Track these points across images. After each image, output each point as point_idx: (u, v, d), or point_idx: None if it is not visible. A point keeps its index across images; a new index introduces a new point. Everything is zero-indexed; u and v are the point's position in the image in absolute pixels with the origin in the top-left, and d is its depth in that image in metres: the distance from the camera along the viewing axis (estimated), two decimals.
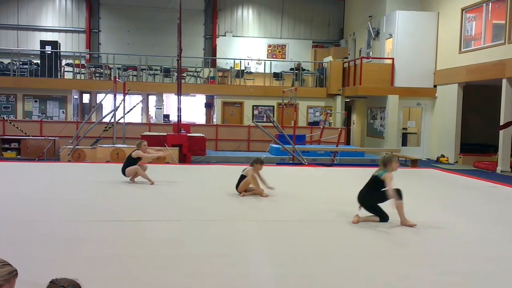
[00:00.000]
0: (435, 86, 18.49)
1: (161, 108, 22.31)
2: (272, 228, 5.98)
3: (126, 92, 15.57)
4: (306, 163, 13.75)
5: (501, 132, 14.69)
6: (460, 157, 16.70)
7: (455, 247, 5.29)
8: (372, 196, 6.41)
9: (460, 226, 6.29)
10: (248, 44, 25.16)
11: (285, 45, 25.59)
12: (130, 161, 9.08)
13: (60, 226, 5.77)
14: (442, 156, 17.23)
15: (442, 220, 6.57)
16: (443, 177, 11.81)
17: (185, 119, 20.84)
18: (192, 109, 25.49)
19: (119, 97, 15.52)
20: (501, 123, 14.66)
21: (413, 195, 8.70)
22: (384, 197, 6.24)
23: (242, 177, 7.94)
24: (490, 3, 15.62)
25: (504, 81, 14.51)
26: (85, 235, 5.38)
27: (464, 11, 16.86)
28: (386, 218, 6.34)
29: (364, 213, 6.41)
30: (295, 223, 6.30)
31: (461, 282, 4.24)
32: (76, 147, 13.83)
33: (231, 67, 22.16)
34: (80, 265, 4.34)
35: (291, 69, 22.26)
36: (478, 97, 17.18)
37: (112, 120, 15.15)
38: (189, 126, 16.97)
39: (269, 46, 25.55)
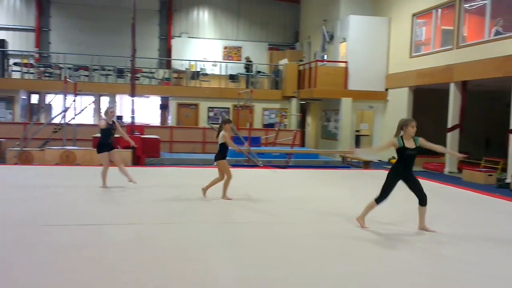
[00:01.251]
0: (386, 89, 18.95)
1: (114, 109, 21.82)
2: (230, 231, 5.92)
3: (77, 92, 15.13)
4: (262, 165, 13.77)
5: (448, 134, 15.21)
6: None
7: (405, 246, 5.41)
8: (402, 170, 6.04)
9: (406, 226, 6.43)
10: (203, 46, 25.02)
11: (241, 47, 25.61)
12: None
13: (4, 230, 5.52)
14: (393, 158, 17.52)
15: (390, 220, 6.69)
16: None
17: (139, 120, 20.47)
18: (146, 110, 25.08)
19: (70, 97, 15.07)
20: (449, 125, 15.17)
21: (364, 196, 8.86)
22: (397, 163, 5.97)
23: (221, 146, 7.77)
24: (440, 9, 16.16)
25: (452, 85, 15.03)
26: (34, 240, 5.16)
27: (414, 17, 17.37)
28: (381, 200, 6.03)
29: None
30: (252, 224, 6.27)
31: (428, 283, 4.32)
32: (24, 149, 13.32)
33: (186, 68, 21.97)
34: (28, 270, 4.15)
35: (251, 71, 22.28)
36: (427, 101, 17.71)
37: (62, 122, 14.68)
38: (143, 128, 16.66)
39: (225, 48, 25.50)
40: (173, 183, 9.68)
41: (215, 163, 7.86)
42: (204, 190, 7.90)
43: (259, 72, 22.19)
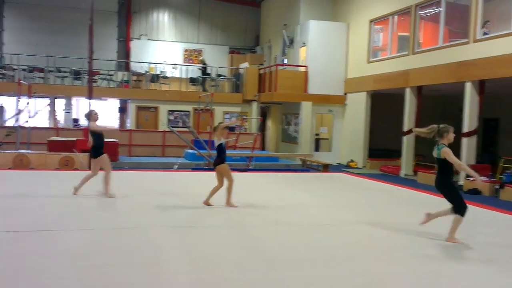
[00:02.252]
0: (345, 93, 19.26)
1: (70, 112, 21.30)
2: (188, 235, 5.86)
3: (31, 94, 14.69)
4: None
5: (404, 138, 15.60)
6: (368, 162, 17.51)
7: (359, 247, 5.49)
8: (443, 179, 5.84)
9: (362, 226, 6.54)
10: (164, 48, 24.78)
11: (201, 50, 25.49)
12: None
13: None
14: (352, 161, 17.95)
15: (345, 221, 6.79)
16: (351, 181, 12.29)
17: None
18: (104, 113, 24.56)
19: (24, 100, 14.61)
20: (405, 129, 15.56)
21: (323, 198, 8.97)
22: (451, 173, 5.78)
23: (218, 149, 7.48)
24: (396, 16, 16.58)
25: (407, 90, 15.43)
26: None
27: (372, 23, 17.74)
28: (461, 209, 5.69)
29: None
30: (212, 228, 6.22)
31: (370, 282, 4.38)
32: None
33: (146, 71, 21.67)
34: None
35: (208, 74, 22.18)
36: (384, 105, 18.12)
37: (16, 124, 14.21)
38: None
39: (186, 50, 25.33)
40: (132, 187, 9.51)
41: (215, 169, 7.52)
42: (207, 203, 7.56)
43: (220, 75, 22.14)
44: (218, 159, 7.50)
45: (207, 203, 7.58)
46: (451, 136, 5.81)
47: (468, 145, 13.01)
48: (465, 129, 13.07)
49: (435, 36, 14.86)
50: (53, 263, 4.54)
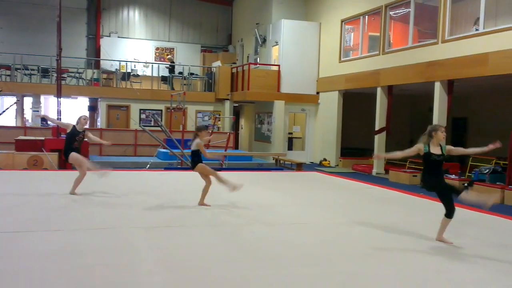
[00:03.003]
0: (318, 92, 19.40)
1: (38, 111, 20.80)
2: (161, 235, 5.78)
3: None
4: None
5: (376, 137, 15.80)
6: (340, 161, 17.68)
7: (332, 246, 5.53)
8: (429, 177, 5.77)
9: (338, 224, 6.59)
10: (134, 46, 24.46)
11: (173, 49, 25.27)
12: None
13: None
14: (325, 159, 18.10)
15: (321, 220, 6.83)
16: (324, 179, 12.38)
17: (66, 122, 19.62)
18: (74, 112, 24.09)
19: None
20: (376, 128, 15.77)
21: (296, 197, 9.01)
22: (428, 170, 5.71)
23: (193, 153, 7.36)
24: (367, 16, 16.77)
25: (378, 89, 15.64)
26: None
27: (343, 23, 17.91)
28: (449, 213, 5.64)
29: None
30: (185, 228, 6.16)
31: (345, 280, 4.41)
32: None
33: (116, 69, 21.34)
34: None
35: (180, 73, 22.01)
36: (356, 104, 18.33)
37: None
38: None
39: (157, 49, 25.07)
40: (102, 187, 9.35)
41: (194, 170, 7.44)
42: (202, 203, 7.50)
43: (192, 74, 21.99)
44: (195, 161, 7.42)
45: (202, 203, 7.53)
46: (440, 135, 5.74)
47: None
48: None
49: (405, 36, 15.11)
50: (27, 265, 4.42)
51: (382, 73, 15.40)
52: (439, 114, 13.24)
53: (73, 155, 8.10)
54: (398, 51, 14.99)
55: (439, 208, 6.01)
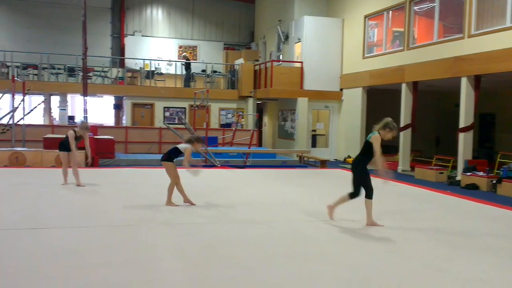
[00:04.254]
0: (341, 89, 19.26)
1: (65, 109, 21.18)
2: (184, 232, 5.83)
3: (26, 92, 14.58)
4: (219, 165, 13.70)
5: (401, 133, 15.61)
6: None
7: (352, 243, 5.49)
8: (359, 162, 6.28)
9: (360, 222, 6.54)
10: (158, 45, 24.68)
11: (196, 47, 25.41)
12: None
13: None
14: (349, 156, 17.96)
15: (346, 218, 6.80)
16: (348, 176, 12.26)
17: (92, 120, 19.95)
18: (100, 110, 24.49)
19: (18, 97, 14.51)
20: (401, 125, 15.58)
21: (321, 194, 8.97)
22: (364, 164, 6.17)
23: (174, 150, 7.27)
24: (391, 11, 16.57)
25: (403, 86, 15.44)
26: None
27: (366, 18, 17.73)
28: (355, 194, 6.20)
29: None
30: (209, 225, 6.20)
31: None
32: None
33: (140, 67, 21.58)
34: None
35: (203, 70, 22.13)
36: (380, 100, 18.14)
37: (11, 122, 14.11)
38: (97, 128, 16.24)
39: (180, 47, 25.24)
40: (127, 185, 9.48)
41: (162, 163, 7.34)
42: (185, 201, 7.42)
43: (215, 71, 22.08)
44: (166, 155, 7.31)
45: (187, 201, 7.43)
46: (389, 134, 6.15)
47: (465, 140, 13.05)
48: (462, 124, 13.10)
49: (430, 31, 14.87)
50: (46, 262, 4.51)
51: (406, 69, 15.20)
52: (465, 110, 13.01)
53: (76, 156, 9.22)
54: (423, 46, 14.76)
55: (466, 205, 5.92)
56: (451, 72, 13.38)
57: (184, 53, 23.98)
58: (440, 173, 13.12)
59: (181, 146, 7.30)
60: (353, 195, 6.29)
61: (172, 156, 7.29)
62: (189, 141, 7.31)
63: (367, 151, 6.19)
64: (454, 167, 13.73)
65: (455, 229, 6.43)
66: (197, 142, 7.38)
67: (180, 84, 21.10)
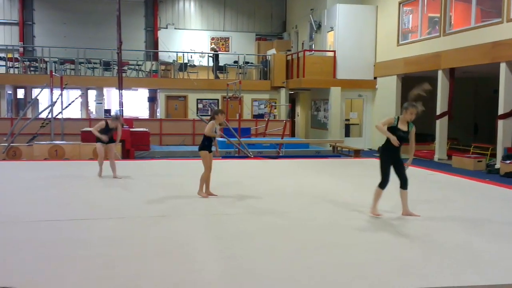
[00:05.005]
0: (375, 78, 18.98)
1: (101, 103, 21.65)
2: (218, 222, 5.89)
3: (63, 86, 14.96)
4: (252, 156, 13.75)
5: (437, 121, 15.29)
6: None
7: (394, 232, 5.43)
8: (381, 148, 6.23)
9: (398, 212, 6.46)
10: (190, 37, 24.86)
11: (228, 38, 25.48)
12: None
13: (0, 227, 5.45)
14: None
15: (382, 207, 6.72)
16: None
17: (127, 113, 20.33)
18: (134, 103, 24.91)
19: (56, 91, 14.90)
20: (438, 113, 15.25)
21: (355, 184, 8.89)
22: (384, 144, 6.10)
23: (204, 136, 7.26)
24: None
25: (439, 72, 15.08)
26: (24, 236, 5.09)
27: (401, 5, 17.36)
28: (383, 184, 6.05)
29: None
30: (243, 215, 6.24)
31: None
32: (11, 144, 13.16)
33: (174, 60, 21.81)
34: (18, 267, 4.10)
35: (235, 62, 22.17)
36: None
37: (50, 116, 14.52)
38: (132, 121, 16.54)
39: (212, 39, 25.35)
40: (162, 176, 9.62)
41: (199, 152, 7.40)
42: (201, 193, 7.34)
43: (247, 62, 22.10)
44: (201, 144, 7.32)
45: (208, 193, 7.42)
46: (407, 115, 6.03)
47: (504, 127, 12.68)
48: (501, 111, 12.73)
49: (467, 16, 14.45)
50: (84, 252, 4.64)
51: (443, 56, 14.84)
52: (504, 96, 12.63)
53: (113, 148, 9.49)
54: (460, 32, 14.37)
55: (504, 193, 5.75)
56: (489, 58, 12.99)
57: (213, 45, 24.04)
58: (479, 161, 12.80)
59: (206, 129, 7.31)
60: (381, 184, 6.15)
61: (205, 143, 7.31)
62: (211, 118, 7.36)
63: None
64: (493, 155, 13.36)
65: (493, 218, 6.27)
66: (220, 114, 7.31)
67: (213, 76, 21.23)
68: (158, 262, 4.35)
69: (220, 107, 20.10)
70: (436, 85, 15.32)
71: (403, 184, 6.18)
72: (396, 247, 4.94)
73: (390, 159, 6.14)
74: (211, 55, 21.75)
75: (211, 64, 21.81)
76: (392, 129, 6.06)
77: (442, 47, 14.91)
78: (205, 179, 7.37)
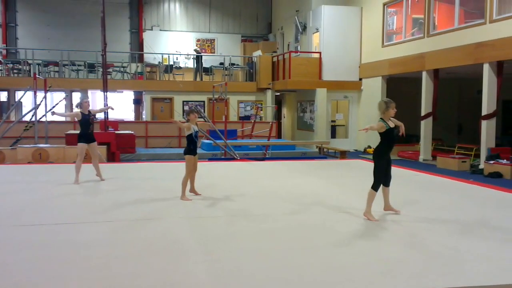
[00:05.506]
0: (360, 79, 19.08)
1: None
2: (205, 225, 5.87)
3: (47, 89, 14.80)
4: (239, 158, 13.73)
5: (422, 122, 15.42)
6: None
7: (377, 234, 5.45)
8: (374, 150, 6.33)
9: (379, 213, 6.49)
10: (176, 39, 24.76)
11: (214, 39, 25.44)
12: None
13: None
14: (369, 147, 17.82)
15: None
16: (369, 167, 12.16)
17: (112, 116, 20.16)
18: (120, 105, 24.71)
19: (40, 94, 14.74)
20: (422, 113, 15.38)
21: (341, 185, 8.92)
22: (378, 153, 6.18)
23: (187, 139, 7.39)
24: None
25: (424, 73, 15.22)
26: (9, 240, 5.02)
27: (385, 6, 17.49)
28: (378, 186, 6.08)
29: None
30: (229, 218, 6.22)
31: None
32: None
33: (159, 62, 21.71)
34: (8, 270, 4.03)
35: (221, 63, 22.14)
36: (401, 89, 17.92)
37: (33, 119, 14.36)
38: (117, 123, 16.44)
39: (198, 40, 25.29)
40: (148, 179, 9.56)
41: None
42: (183, 198, 7.31)
43: (233, 64, 22.08)
44: (187, 148, 7.41)
45: (192, 191, 7.59)
46: (391, 112, 6.20)
47: (488, 128, 12.83)
48: (484, 111, 12.87)
49: (451, 17, 14.60)
50: (74, 255, 4.59)
51: (427, 57, 14.97)
52: (488, 97, 12.78)
53: (79, 146, 8.77)
54: (444, 33, 14.51)
55: (490, 194, 5.81)
56: (472, 59, 13.14)
57: (196, 47, 23.93)
58: (463, 161, 12.93)
59: (185, 132, 7.40)
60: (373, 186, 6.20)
61: (190, 147, 7.38)
62: (187, 120, 7.45)
63: (382, 139, 6.23)
64: (477, 156, 13.51)
65: (477, 218, 6.33)
66: (191, 114, 7.46)
67: (199, 78, 21.17)
68: (146, 264, 4.31)
69: (206, 109, 20.06)
70: (421, 86, 15.46)
71: (388, 182, 6.30)
72: (383, 248, 4.96)
73: (386, 161, 6.21)
74: (193, 57, 21.65)
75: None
76: (390, 131, 6.13)
77: (426, 48, 15.05)
78: (186, 183, 7.42)
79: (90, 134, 8.81)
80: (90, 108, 8.96)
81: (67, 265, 4.34)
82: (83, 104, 8.78)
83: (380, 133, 6.15)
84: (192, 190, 7.60)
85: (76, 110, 8.95)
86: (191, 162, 7.39)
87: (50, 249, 4.83)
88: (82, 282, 3.93)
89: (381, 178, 6.14)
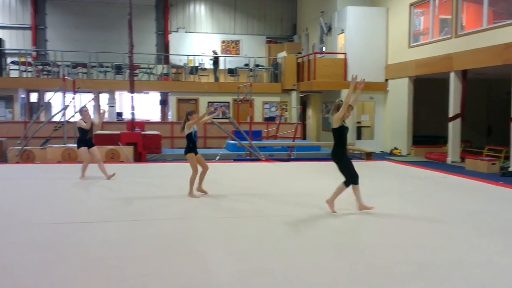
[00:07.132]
0: (386, 80, 18.89)
1: (113, 106, 21.78)
2: (229, 225, 5.90)
3: (76, 90, 15.09)
4: (263, 159, 13.75)
5: (450, 124, 15.18)
6: (412, 149, 17.16)
7: (406, 237, 5.39)
8: (334, 149, 6.42)
9: (411, 215, 6.42)
10: (201, 40, 24.93)
11: (238, 41, 25.52)
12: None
13: (7, 230, 5.50)
14: (395, 148, 17.64)
15: (395, 210, 6.68)
16: (396, 168, 12.07)
17: (139, 116, 20.43)
18: (146, 106, 25.01)
19: (69, 95, 15.02)
20: (450, 115, 15.14)
21: (368, 187, 8.85)
22: (342, 143, 6.30)
23: (187, 138, 7.76)
24: None
25: (452, 74, 14.98)
26: (32, 239, 5.14)
27: (412, 6, 17.29)
28: (349, 182, 6.30)
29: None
30: (254, 219, 6.24)
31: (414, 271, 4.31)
32: (25, 147, 13.29)
33: (184, 63, 21.88)
34: (25, 270, 4.13)
35: (246, 65, 22.21)
36: (428, 90, 17.69)
37: (62, 119, 14.65)
38: (144, 124, 16.64)
39: (223, 42, 25.41)
40: (174, 178, 9.66)
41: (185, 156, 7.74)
42: (191, 195, 7.55)
43: (257, 65, 22.13)
44: (186, 148, 7.71)
45: (200, 190, 7.74)
46: (342, 112, 6.32)
47: None
48: None
49: (479, 18, 14.34)
50: (96, 254, 4.67)
51: (455, 57, 14.74)
52: None
53: (80, 150, 9.32)
54: (472, 33, 14.26)
55: None
56: (502, 59, 12.88)
57: (214, 49, 23.96)
58: (492, 164, 12.68)
59: (185, 131, 7.76)
60: (346, 182, 6.44)
61: (190, 146, 7.69)
62: (185, 122, 7.79)
63: (338, 139, 6.38)
64: (507, 158, 13.23)
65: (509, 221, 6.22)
66: (189, 115, 7.82)
67: (224, 79, 21.26)
68: (167, 263, 4.36)
69: (231, 110, 20.15)
70: (448, 87, 15.23)
71: (354, 181, 6.48)
72: (408, 251, 4.91)
73: (348, 158, 6.49)
74: (211, 58, 21.71)
75: (222, 67, 21.86)
76: (343, 129, 6.37)
77: (454, 49, 14.81)
78: (194, 181, 7.63)
79: (89, 140, 9.35)
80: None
81: (90, 264, 4.41)
82: (83, 112, 9.33)
83: (335, 133, 6.32)
84: (200, 189, 7.77)
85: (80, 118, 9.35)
86: (194, 160, 7.61)
87: (70, 248, 4.92)
88: (95, 282, 3.99)
89: (355, 172, 6.33)
